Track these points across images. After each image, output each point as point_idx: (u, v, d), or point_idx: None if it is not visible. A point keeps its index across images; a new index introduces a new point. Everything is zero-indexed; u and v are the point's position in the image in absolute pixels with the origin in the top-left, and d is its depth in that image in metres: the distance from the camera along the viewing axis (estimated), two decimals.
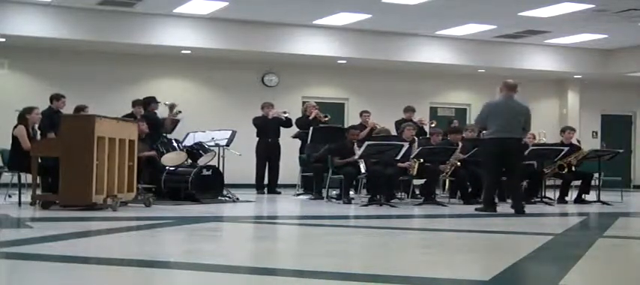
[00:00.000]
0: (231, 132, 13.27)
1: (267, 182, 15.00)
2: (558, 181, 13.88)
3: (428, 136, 14.58)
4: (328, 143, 13.05)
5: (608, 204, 12.96)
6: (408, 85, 19.46)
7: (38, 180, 10.27)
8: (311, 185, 13.65)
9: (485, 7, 15.25)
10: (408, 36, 18.18)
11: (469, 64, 19.09)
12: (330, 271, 5.22)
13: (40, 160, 10.10)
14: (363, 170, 12.17)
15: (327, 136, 13.56)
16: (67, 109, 12.94)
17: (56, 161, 9.71)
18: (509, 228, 8.92)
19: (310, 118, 14.70)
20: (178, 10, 15.86)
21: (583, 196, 13.45)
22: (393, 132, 14.44)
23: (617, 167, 17.51)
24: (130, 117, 12.74)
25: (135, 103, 13.46)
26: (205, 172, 12.06)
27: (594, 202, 13.18)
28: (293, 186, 15.08)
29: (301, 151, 14.58)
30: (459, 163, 12.56)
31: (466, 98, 20.55)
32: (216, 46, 17.02)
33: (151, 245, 6.77)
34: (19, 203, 10.26)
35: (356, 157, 12.08)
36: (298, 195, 14.02)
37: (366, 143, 11.81)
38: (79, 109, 12.73)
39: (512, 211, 10.64)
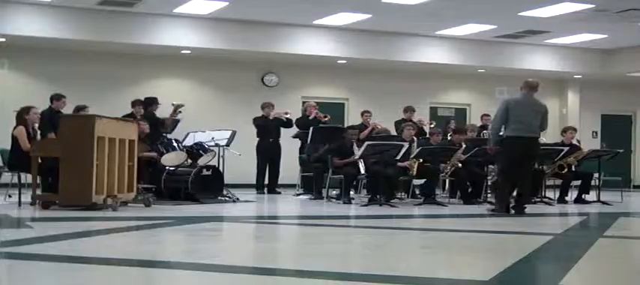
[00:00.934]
0: (231, 132, 13.27)
1: (267, 182, 15.00)
2: (558, 181, 13.88)
3: (428, 136, 14.58)
4: (328, 143, 13.02)
5: (608, 204, 12.96)
6: (408, 85, 19.45)
7: (38, 180, 10.27)
8: (311, 185, 13.64)
9: (485, 7, 15.25)
10: (408, 36, 18.18)
11: (469, 64, 19.09)
12: (331, 271, 5.23)
13: (40, 160, 10.09)
14: (362, 170, 12.17)
15: (327, 136, 13.54)
16: (67, 109, 12.91)
17: (56, 161, 9.70)
18: (509, 228, 8.91)
19: (310, 118, 14.68)
20: (178, 10, 15.86)
21: (583, 196, 13.44)
22: (393, 132, 14.49)
23: (617, 167, 17.50)
24: (130, 117, 12.75)
25: (135, 103, 13.46)
26: (205, 172, 12.04)
27: (594, 202, 13.19)
28: (293, 186, 15.09)
29: (301, 151, 14.58)
30: (459, 164, 12.55)
31: (466, 98, 20.55)
32: (216, 46, 17.02)
33: (151, 245, 6.77)
34: (19, 203, 10.25)
35: (356, 157, 12.06)
36: (298, 195, 14.01)
37: (366, 143, 11.83)
38: (79, 109, 12.71)
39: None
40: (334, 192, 13.12)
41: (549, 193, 13.88)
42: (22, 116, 10.79)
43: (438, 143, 13.23)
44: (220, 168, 12.75)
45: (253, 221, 9.74)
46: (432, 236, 8.10)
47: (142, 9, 15.77)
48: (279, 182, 15.08)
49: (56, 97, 13.05)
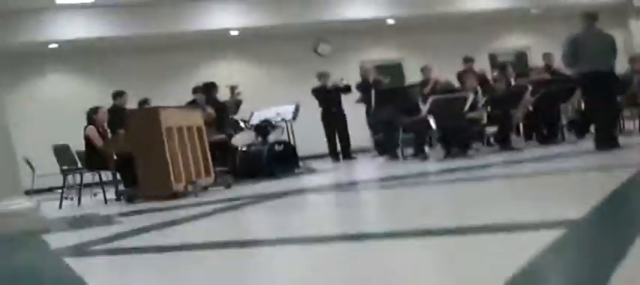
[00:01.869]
0: (295, 105, 13.30)
1: (340, 150, 14.96)
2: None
3: (491, 84, 14.43)
4: (392, 103, 12.97)
5: None
6: (463, 36, 19.28)
7: (118, 176, 10.44)
8: (385, 147, 13.57)
9: None
10: None
11: (521, 6, 18.82)
12: (424, 228, 5.20)
13: (115, 157, 10.24)
14: (433, 126, 12.12)
15: (391, 96, 13.46)
16: (130, 105, 13.08)
17: (131, 156, 9.84)
18: (590, 164, 8.76)
19: (370, 81, 14.64)
20: None
21: None
22: (456, 85, 14.36)
23: None
24: (193, 104, 12.87)
25: (196, 90, 13.57)
26: (278, 148, 12.10)
27: None
28: (367, 150, 15.02)
29: (367, 115, 14.54)
30: (530, 108, 12.38)
31: (524, 41, 20.32)
32: (263, 23, 17.07)
33: (240, 225, 6.81)
34: (105, 200, 10.44)
35: (423, 114, 11.99)
36: (374, 158, 13.89)
37: (431, 98, 11.73)
38: (143, 102, 12.87)
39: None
40: (410, 150, 13.05)
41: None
42: (92, 117, 10.98)
43: (503, 91, 13.06)
44: (292, 142, 12.78)
45: (334, 190, 9.72)
46: (514, 182, 8.00)
47: None
48: (354, 147, 15.04)
49: (118, 94, 13.22)
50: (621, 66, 15.88)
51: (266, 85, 17.92)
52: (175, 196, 9.56)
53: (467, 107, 11.80)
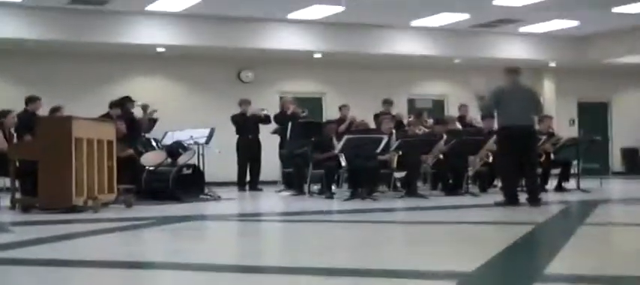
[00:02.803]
0: (209, 130, 13.23)
1: (249, 180, 15.01)
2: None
3: (406, 128, 14.62)
4: (307, 138, 13.06)
5: (588, 191, 13.08)
6: (385, 77, 19.51)
7: (17, 183, 10.20)
8: (293, 181, 13.64)
9: None
10: (383, 28, 18.24)
11: (445, 55, 19.19)
12: (316, 266, 5.24)
13: (17, 164, 10.02)
14: (343, 164, 12.19)
15: (306, 131, 13.58)
16: (43, 111, 12.84)
17: (34, 164, 9.64)
18: (490, 218, 8.96)
19: (288, 113, 14.72)
20: (151, 7, 15.81)
21: (563, 184, 13.54)
22: (372, 125, 14.52)
23: (595, 155, 17.69)
24: (106, 117, 12.70)
25: (112, 105, 13.40)
26: (186, 171, 12.01)
27: (574, 189, 13.30)
28: (275, 183, 15.09)
29: (281, 146, 14.58)
30: (441, 156, 12.59)
31: (443, 89, 20.66)
32: (190, 42, 17.00)
33: (135, 246, 6.75)
34: None
35: (336, 151, 12.08)
36: (280, 191, 14.01)
37: (346, 137, 11.80)
38: (55, 110, 12.66)
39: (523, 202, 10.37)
40: (316, 187, 13.14)
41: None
42: (0, 120, 10.72)
43: (417, 136, 13.25)
44: (200, 166, 12.73)
45: (236, 219, 9.71)
46: (415, 229, 8.13)
47: (114, 7, 15.70)
48: (261, 179, 15.09)
49: (31, 99, 13.00)
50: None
51: (187, 105, 17.80)
52: (74, 209, 9.39)
53: (379, 149, 11.90)
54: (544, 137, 13.36)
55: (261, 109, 15.04)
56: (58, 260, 5.66)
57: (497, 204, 10.39)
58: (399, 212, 10.15)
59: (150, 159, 12.01)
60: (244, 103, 15.07)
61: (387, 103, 15.60)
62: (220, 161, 14.17)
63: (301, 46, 17.81)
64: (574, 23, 18.11)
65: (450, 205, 10.62)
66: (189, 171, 12.11)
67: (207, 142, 13.11)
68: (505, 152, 10.46)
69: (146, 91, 16.48)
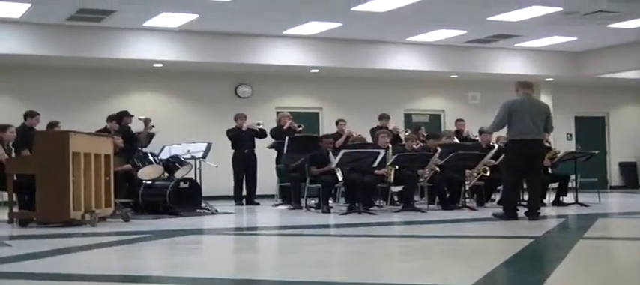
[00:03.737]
0: (206, 144, 13.26)
1: (245, 194, 15.01)
2: None
3: (403, 143, 14.62)
4: (304, 153, 13.09)
5: (586, 205, 13.09)
6: (381, 92, 19.54)
7: (15, 197, 10.19)
8: (289, 195, 13.66)
9: (455, 12, 15.35)
10: (379, 43, 18.27)
11: (441, 70, 19.21)
12: (313, 280, 5.23)
13: (15, 178, 10.01)
14: (340, 178, 12.21)
15: (303, 145, 13.59)
16: (40, 126, 12.90)
17: (32, 178, 9.65)
18: (488, 232, 8.95)
19: (285, 128, 14.76)
20: (148, 23, 15.82)
21: (561, 198, 13.55)
22: (369, 140, 14.52)
23: (593, 169, 17.69)
24: (104, 132, 12.70)
25: (110, 118, 13.42)
26: (183, 185, 12.02)
27: (572, 204, 13.30)
28: (271, 197, 15.09)
29: (277, 161, 14.60)
30: (437, 169, 12.61)
31: (440, 104, 20.67)
32: (187, 58, 17.01)
33: (132, 260, 6.74)
34: None
35: (332, 165, 12.09)
36: (277, 205, 14.03)
37: (342, 152, 11.82)
38: (52, 125, 12.68)
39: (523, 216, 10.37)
40: (313, 202, 13.15)
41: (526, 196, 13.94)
42: None
43: (414, 150, 13.25)
44: (197, 181, 12.76)
45: (233, 233, 9.72)
46: (411, 243, 8.11)
47: (112, 24, 15.71)
48: (257, 193, 15.11)
49: (30, 114, 13.05)
50: None
51: (184, 120, 17.79)
52: (71, 223, 9.41)
53: (376, 164, 11.90)
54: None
55: (256, 123, 15.05)
56: (55, 274, 5.65)
57: (496, 217, 10.39)
58: (396, 226, 10.15)
59: (147, 173, 11.99)
60: (239, 117, 15.09)
61: (384, 117, 15.59)
62: (217, 175, 14.16)
63: (298, 62, 17.83)
64: (571, 39, 18.15)
65: (447, 219, 10.64)
66: (186, 185, 12.12)
67: (204, 157, 13.13)
68: (512, 166, 10.43)
69: (143, 106, 16.47)
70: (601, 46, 19.16)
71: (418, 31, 17.20)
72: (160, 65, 17.25)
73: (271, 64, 17.63)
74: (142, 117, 13.28)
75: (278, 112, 16.50)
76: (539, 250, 7.13)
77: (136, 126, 13.50)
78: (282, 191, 14.39)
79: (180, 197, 11.85)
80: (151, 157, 12.53)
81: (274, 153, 14.84)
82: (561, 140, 20.33)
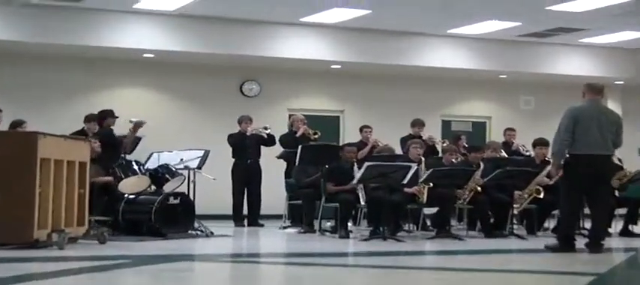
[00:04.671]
0: (203, 152, 13.23)
1: (247, 213, 14.96)
2: None
3: (439, 155, 14.50)
4: (320, 164, 13.04)
5: None
6: (415, 94, 19.42)
7: None
8: (300, 216, 13.59)
9: (508, 0, 15.21)
10: (415, 36, 18.16)
11: (488, 69, 19.05)
12: None
13: None
14: (361, 198, 12.16)
15: (319, 156, 13.46)
16: (3, 126, 12.88)
17: None
18: (540, 267, 8.90)
19: (298, 134, 14.67)
20: (139, 5, 15.76)
21: (630, 227, 13.38)
22: (399, 151, 14.42)
23: None
24: (81, 134, 12.64)
25: (88, 119, 13.37)
26: (172, 201, 11.98)
27: None
28: (278, 217, 14.99)
29: (287, 174, 14.52)
30: (479, 188, 12.48)
31: (485, 109, 20.52)
32: (184, 48, 16.94)
33: None
34: None
35: (354, 181, 12.03)
36: (285, 228, 13.99)
37: (367, 164, 11.77)
38: (16, 124, 12.70)
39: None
40: (328, 224, 13.10)
41: (588, 223, 13.80)
42: None
43: (453, 164, 13.15)
44: (190, 196, 12.71)
45: (231, 260, 9.68)
46: (447, 277, 8.04)
47: (94, 4, 15.66)
48: (262, 212, 15.03)
49: None
50: None
51: (177, 123, 17.72)
52: (35, 244, 9.31)
53: (406, 180, 11.82)
54: None
55: (263, 128, 14.95)
56: None
57: (549, 248, 10.28)
58: (429, 256, 10.15)
59: (130, 185, 11.96)
60: (244, 120, 15.00)
61: (417, 124, 15.51)
62: (215, 190, 14.09)
63: (316, 55, 17.74)
64: None
65: (490, 250, 10.59)
66: (177, 201, 12.08)
67: (199, 167, 13.09)
68: (572, 187, 10.27)
69: (129, 104, 16.44)
70: None
71: (462, 21, 17.08)
72: (151, 56, 17.21)
73: (284, 57, 17.55)
74: (134, 119, 13.13)
75: (290, 115, 16.41)
76: None
77: (122, 129, 13.38)
78: (291, 211, 14.33)
79: (169, 215, 11.81)
80: (135, 166, 12.47)
81: (284, 164, 14.75)
82: (632, 156, 20.05)
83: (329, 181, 12.62)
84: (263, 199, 15.06)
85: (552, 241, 10.58)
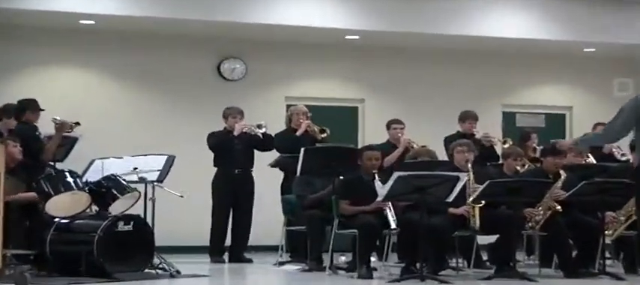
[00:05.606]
0: (165, 158, 13.30)
1: (230, 243, 14.98)
2: None
3: (499, 161, 14.45)
4: (330, 175, 13.10)
5: None
6: (464, 76, 19.46)
7: None
8: (303, 247, 13.61)
9: None
10: None
11: (567, 39, 19.02)
12: None
13: None
14: (392, 221, 12.13)
15: (329, 162, 13.46)
16: None
17: None
18: None
19: (298, 133, 14.80)
20: None
21: None
22: (442, 156, 14.35)
23: None
24: None
25: (4, 111, 13.33)
26: (122, 227, 11.98)
27: None
28: (273, 249, 14.99)
29: (284, 189, 14.55)
30: (558, 207, 12.40)
31: (565, 97, 20.55)
32: (138, 12, 16.97)
33: None
34: None
35: (379, 198, 12.05)
36: (282, 264, 14.07)
37: (396, 175, 11.74)
38: None
39: None
40: (343, 259, 13.24)
41: None
42: None
43: (519, 173, 13.07)
44: (148, 220, 12.75)
45: None
46: None
47: None
48: (251, 243, 15.05)
49: None
50: None
51: (129, 116, 17.74)
52: None
53: (452, 196, 11.81)
54: None
55: (257, 125, 14.92)
56: None
57: None
58: None
59: (62, 205, 11.98)
60: (231, 114, 14.98)
61: (468, 118, 15.54)
62: (182, 212, 14.10)
63: (324, 23, 17.74)
64: None
65: None
66: (129, 227, 12.07)
67: (160, 180, 13.16)
68: None
69: (62, 88, 16.60)
70: None
71: None
72: (92, 22, 17.23)
73: (279, 24, 17.53)
74: (59, 118, 13.15)
75: (288, 107, 16.38)
76: None
77: (46, 127, 13.41)
78: (291, 240, 14.41)
79: (117, 247, 11.83)
80: (69, 178, 12.42)
81: (279, 175, 14.80)
82: None
83: (343, 199, 12.62)
84: (253, 223, 15.04)
85: None
